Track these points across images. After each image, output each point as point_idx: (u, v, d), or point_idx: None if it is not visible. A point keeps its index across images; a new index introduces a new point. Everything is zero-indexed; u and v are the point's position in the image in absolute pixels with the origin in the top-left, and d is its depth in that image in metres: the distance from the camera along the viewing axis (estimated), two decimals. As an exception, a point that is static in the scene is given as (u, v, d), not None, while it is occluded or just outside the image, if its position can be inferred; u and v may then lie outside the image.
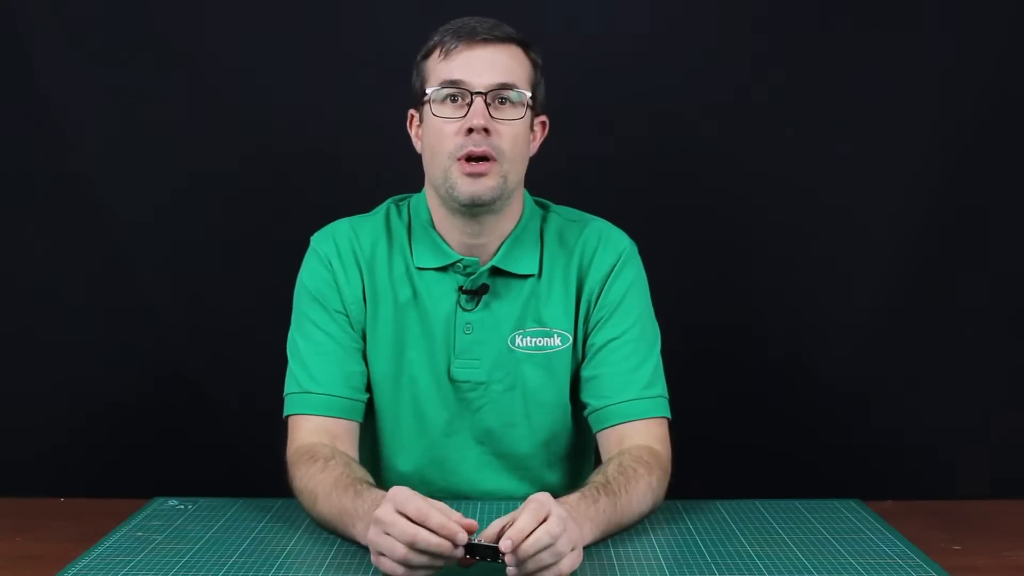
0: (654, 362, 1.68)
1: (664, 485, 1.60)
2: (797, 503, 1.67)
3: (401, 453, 1.69)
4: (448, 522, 1.30)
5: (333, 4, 2.24)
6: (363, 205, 1.76)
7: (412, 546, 1.30)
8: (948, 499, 1.80)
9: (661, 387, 1.67)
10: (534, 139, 1.68)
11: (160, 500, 1.69)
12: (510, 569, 1.32)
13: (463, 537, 1.30)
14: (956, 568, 1.41)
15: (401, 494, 1.34)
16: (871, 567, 1.40)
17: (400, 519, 1.31)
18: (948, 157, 2.24)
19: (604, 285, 1.67)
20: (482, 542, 1.32)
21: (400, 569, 1.32)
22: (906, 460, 2.30)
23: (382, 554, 1.33)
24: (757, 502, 1.67)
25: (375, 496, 1.41)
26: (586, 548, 1.42)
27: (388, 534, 1.32)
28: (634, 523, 1.55)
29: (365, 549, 1.44)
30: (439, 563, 1.32)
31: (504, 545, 1.30)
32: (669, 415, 1.67)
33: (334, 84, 2.24)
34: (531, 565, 1.31)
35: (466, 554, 1.32)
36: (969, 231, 2.26)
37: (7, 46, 2.22)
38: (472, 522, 1.32)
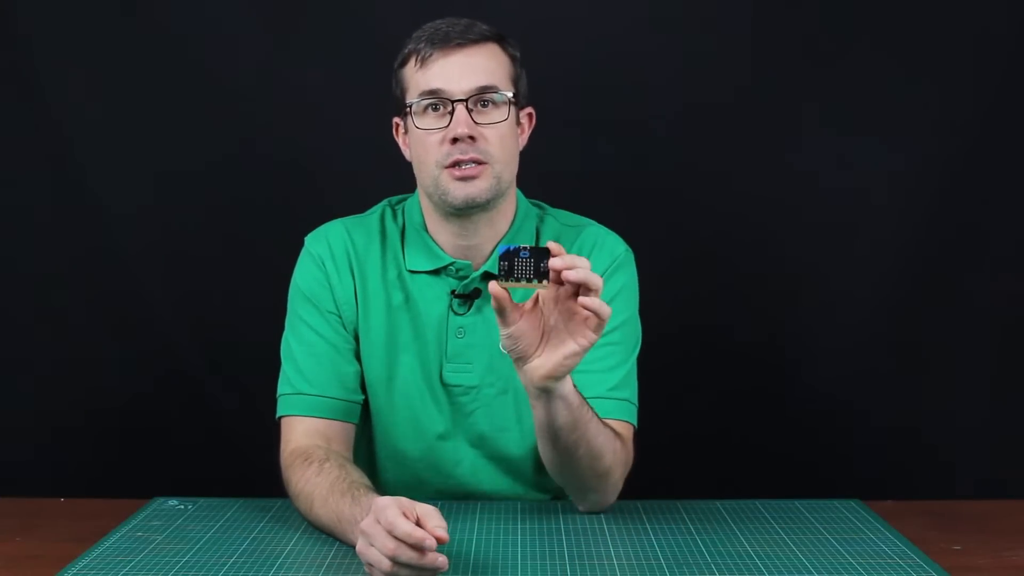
0: (628, 367, 1.65)
1: (623, 472, 1.58)
2: (797, 503, 1.66)
3: (397, 455, 1.69)
4: (414, 531, 1.27)
5: (333, 3, 2.25)
6: (360, 205, 1.76)
7: (394, 560, 1.28)
8: (948, 499, 1.79)
9: (630, 392, 1.65)
10: (522, 132, 1.67)
11: (160, 500, 1.69)
12: (569, 273, 1.33)
13: (431, 543, 1.27)
14: (956, 568, 1.41)
15: (382, 502, 1.32)
16: (871, 567, 1.40)
17: (382, 531, 1.29)
18: (948, 159, 2.24)
19: None
20: (522, 252, 1.34)
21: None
22: (906, 460, 2.30)
23: (372, 564, 1.32)
24: (757, 502, 1.66)
25: (368, 503, 1.40)
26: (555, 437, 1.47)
27: (373, 546, 1.31)
28: (592, 457, 1.51)
29: (365, 550, 1.45)
30: (425, 574, 1.30)
31: (553, 247, 1.34)
32: (635, 422, 1.64)
33: (333, 83, 2.24)
34: (581, 264, 1.34)
35: (500, 276, 1.33)
36: (969, 232, 2.25)
37: (6, 45, 2.22)
38: (442, 534, 1.28)
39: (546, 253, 1.34)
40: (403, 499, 1.32)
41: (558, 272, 1.34)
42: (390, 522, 1.28)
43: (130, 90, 2.24)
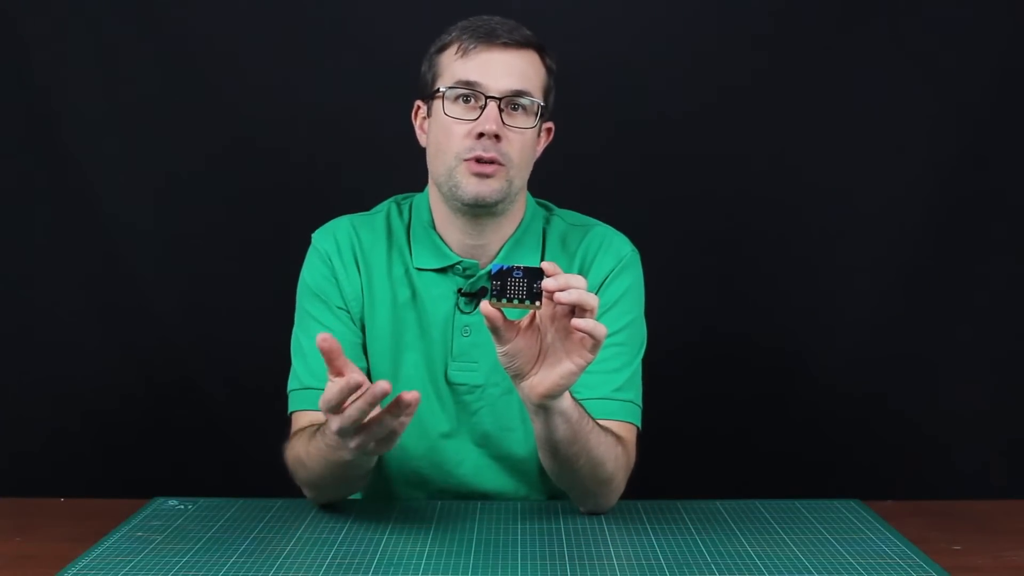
0: (633, 369, 1.65)
1: (625, 475, 1.59)
2: (797, 503, 1.66)
3: (401, 454, 1.68)
4: (343, 384, 1.31)
5: (334, 3, 2.25)
6: (365, 204, 1.76)
7: (345, 396, 1.31)
8: (948, 499, 1.79)
9: (634, 394, 1.64)
10: (539, 143, 1.68)
11: (160, 500, 1.69)
12: (561, 295, 1.31)
13: (358, 380, 1.30)
14: (956, 568, 1.41)
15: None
16: (871, 567, 1.40)
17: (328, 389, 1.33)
18: (948, 158, 2.24)
19: (600, 288, 1.66)
20: (515, 273, 1.32)
21: (360, 437, 1.35)
22: (906, 460, 2.30)
23: (347, 436, 1.35)
24: (757, 502, 1.66)
25: None
26: (554, 448, 1.48)
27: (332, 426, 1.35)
28: (592, 466, 1.51)
29: (366, 549, 1.45)
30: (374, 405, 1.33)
31: (548, 267, 1.32)
32: (638, 423, 1.64)
33: (336, 84, 2.25)
34: (575, 284, 1.32)
35: (492, 296, 1.31)
36: (969, 232, 2.26)
37: (6, 44, 2.22)
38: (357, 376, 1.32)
39: (539, 274, 1.33)
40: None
41: (552, 293, 1.33)
42: (327, 399, 1.32)
43: (131, 90, 2.24)
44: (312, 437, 1.50)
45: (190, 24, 2.24)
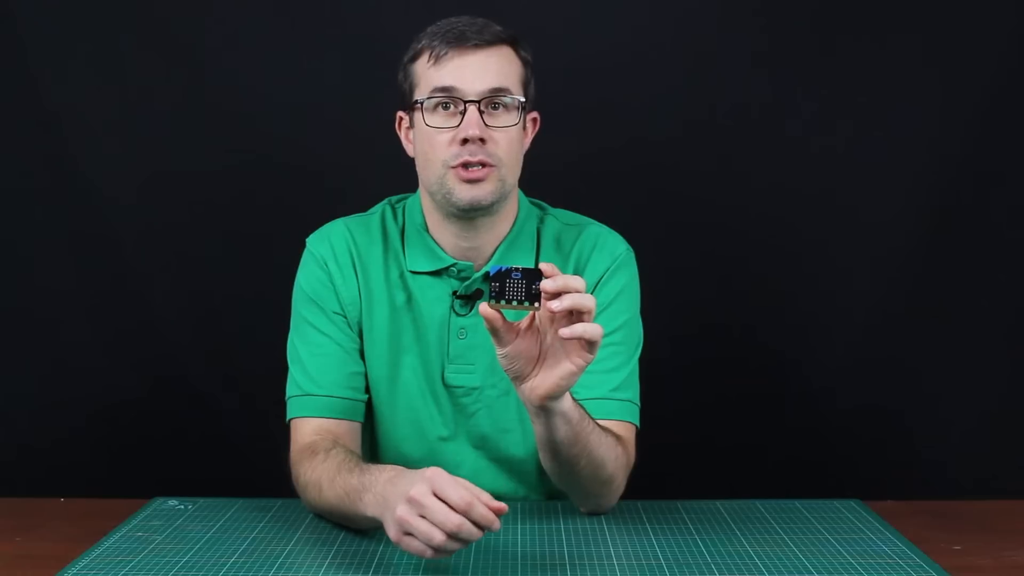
0: (630, 368, 1.65)
1: (625, 475, 1.59)
2: (797, 503, 1.66)
3: (399, 458, 1.68)
4: (488, 513, 1.29)
5: (333, 4, 2.25)
6: (362, 205, 1.76)
7: (455, 536, 1.29)
8: (948, 499, 1.79)
9: (632, 393, 1.64)
10: (526, 136, 1.67)
11: (160, 500, 1.69)
12: (553, 303, 1.31)
13: (498, 526, 1.29)
14: (956, 568, 1.41)
15: (441, 478, 1.31)
16: (871, 567, 1.40)
17: (441, 506, 1.29)
18: (947, 161, 2.24)
19: (596, 288, 1.65)
20: (514, 274, 1.31)
21: (429, 552, 1.31)
22: (906, 460, 2.30)
23: (408, 534, 1.32)
24: (757, 502, 1.66)
25: (382, 470, 1.40)
26: (554, 448, 1.47)
27: (424, 517, 1.30)
28: (594, 467, 1.51)
29: (366, 549, 1.45)
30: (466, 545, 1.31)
31: (546, 268, 1.31)
32: (637, 422, 1.64)
33: (334, 84, 2.24)
34: (574, 286, 1.32)
35: (491, 297, 1.31)
36: (969, 232, 2.25)
37: (6, 44, 2.22)
38: (502, 505, 1.30)
39: (538, 275, 1.32)
40: (444, 472, 1.33)
41: (550, 294, 1.33)
42: (467, 502, 1.29)
43: (131, 89, 2.24)
44: (339, 472, 1.48)
45: (189, 25, 2.23)
